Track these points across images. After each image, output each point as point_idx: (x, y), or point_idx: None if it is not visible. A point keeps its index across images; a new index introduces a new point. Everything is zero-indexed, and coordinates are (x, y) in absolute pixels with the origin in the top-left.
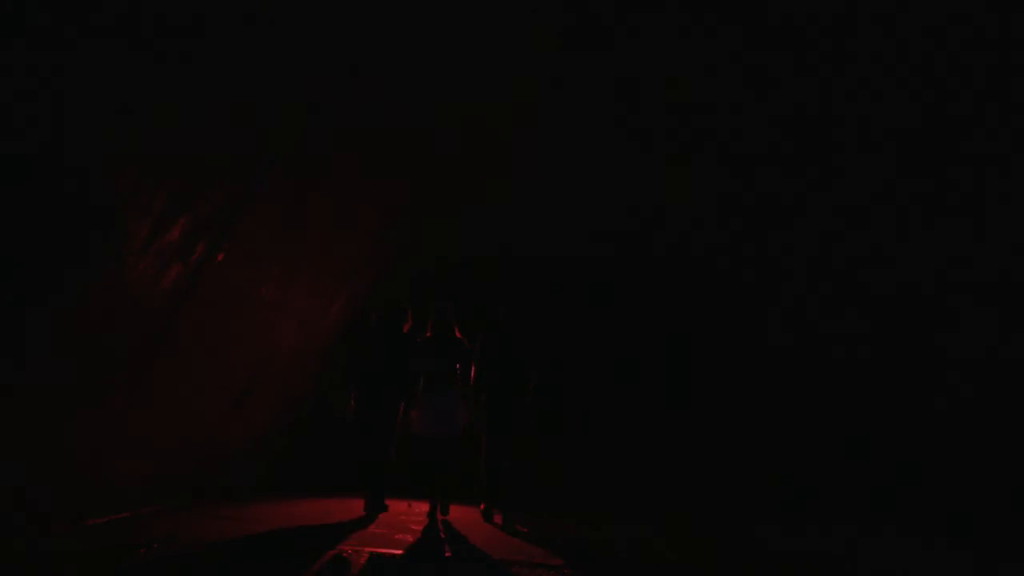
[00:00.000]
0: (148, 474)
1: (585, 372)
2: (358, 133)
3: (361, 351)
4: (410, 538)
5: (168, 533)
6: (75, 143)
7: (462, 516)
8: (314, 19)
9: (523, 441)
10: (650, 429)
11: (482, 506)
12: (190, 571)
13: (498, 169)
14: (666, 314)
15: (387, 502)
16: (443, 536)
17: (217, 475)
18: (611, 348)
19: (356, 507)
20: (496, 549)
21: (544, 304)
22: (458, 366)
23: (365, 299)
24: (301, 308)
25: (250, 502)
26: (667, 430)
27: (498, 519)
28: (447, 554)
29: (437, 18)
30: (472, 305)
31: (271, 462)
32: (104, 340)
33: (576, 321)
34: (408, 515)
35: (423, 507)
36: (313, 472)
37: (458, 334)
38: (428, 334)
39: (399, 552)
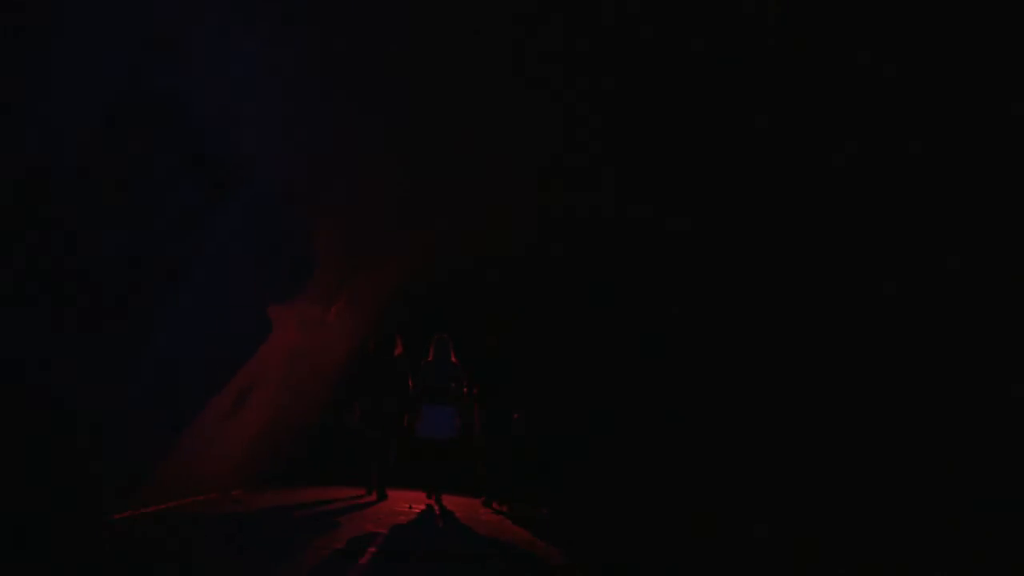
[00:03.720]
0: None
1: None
2: None
3: (369, 371)
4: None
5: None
6: None
7: (462, 505)
8: None
9: (514, 444)
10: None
11: (482, 498)
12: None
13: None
14: None
15: (389, 504)
16: (438, 513)
17: (234, 472)
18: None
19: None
20: (476, 522)
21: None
22: (454, 384)
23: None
24: (301, 308)
25: (265, 492)
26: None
27: (495, 506)
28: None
29: None
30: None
31: (282, 459)
32: None
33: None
34: (408, 515)
35: (422, 508)
36: (318, 469)
37: (453, 358)
38: (430, 359)
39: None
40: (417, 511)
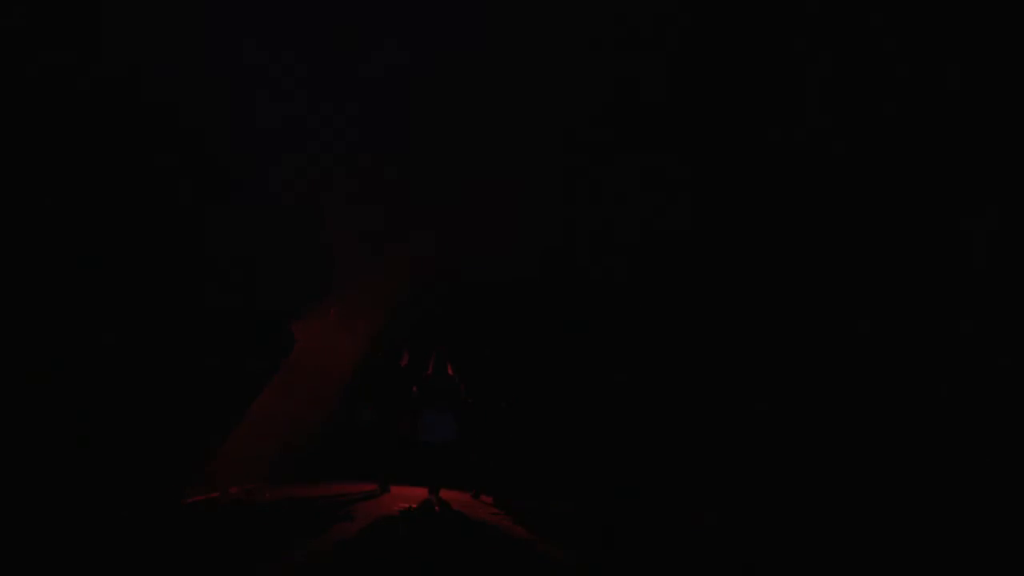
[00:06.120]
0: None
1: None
2: None
3: (374, 379)
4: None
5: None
6: None
7: (461, 503)
8: None
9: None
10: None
11: (472, 491)
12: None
13: None
14: None
15: (391, 501)
16: (438, 510)
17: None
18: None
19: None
20: (474, 519)
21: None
22: (451, 393)
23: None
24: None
25: (266, 490)
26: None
27: (483, 498)
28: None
29: None
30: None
31: (283, 458)
32: None
33: None
34: (408, 512)
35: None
36: (321, 467)
37: (450, 371)
38: (429, 372)
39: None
40: (417, 508)
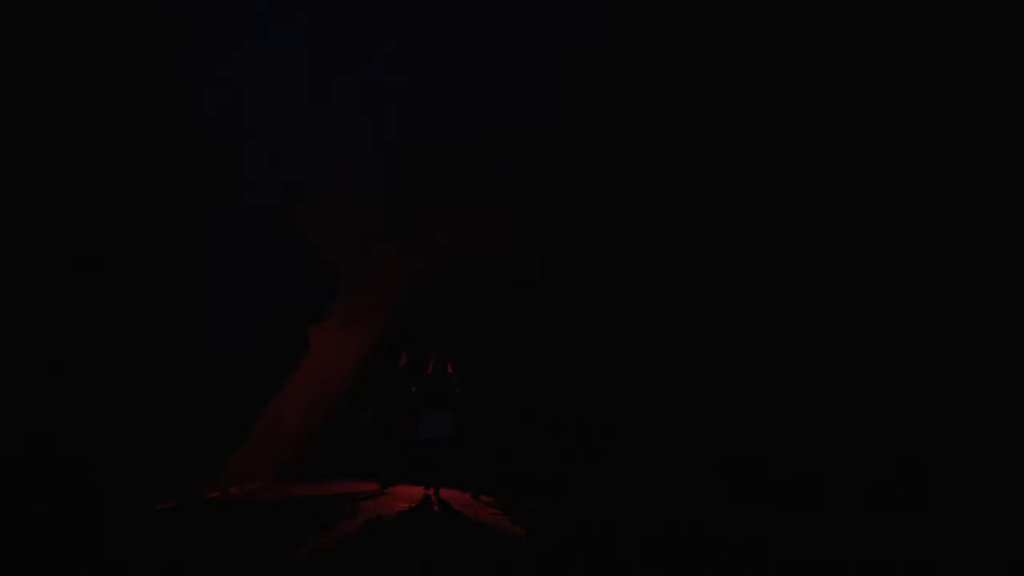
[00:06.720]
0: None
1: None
2: None
3: (374, 380)
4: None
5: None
6: None
7: (460, 501)
8: None
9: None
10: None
11: (472, 491)
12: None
13: None
14: None
15: (391, 499)
16: (437, 508)
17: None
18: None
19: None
20: (472, 517)
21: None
22: (451, 392)
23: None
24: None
25: (265, 490)
26: None
27: (483, 498)
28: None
29: None
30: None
31: (300, 457)
32: None
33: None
34: (407, 510)
35: (421, 503)
36: (331, 466)
37: (450, 370)
38: (429, 372)
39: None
40: (417, 506)
